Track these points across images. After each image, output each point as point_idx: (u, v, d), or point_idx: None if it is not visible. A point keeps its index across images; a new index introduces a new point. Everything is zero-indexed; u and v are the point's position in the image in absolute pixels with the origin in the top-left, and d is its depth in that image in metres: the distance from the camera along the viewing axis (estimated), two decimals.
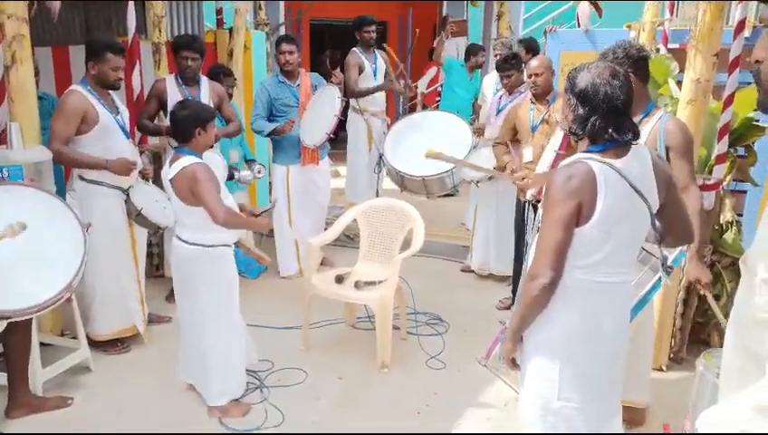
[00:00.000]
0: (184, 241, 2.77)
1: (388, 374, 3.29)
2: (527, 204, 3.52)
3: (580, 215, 1.77)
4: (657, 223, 1.87)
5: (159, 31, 4.36)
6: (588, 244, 1.80)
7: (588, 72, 1.82)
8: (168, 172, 2.72)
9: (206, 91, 3.94)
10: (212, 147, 3.21)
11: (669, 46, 4.48)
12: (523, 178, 3.24)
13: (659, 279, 2.23)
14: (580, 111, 1.81)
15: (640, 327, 2.54)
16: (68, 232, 2.11)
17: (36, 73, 3.75)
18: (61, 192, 3.23)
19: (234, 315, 2.90)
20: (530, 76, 3.74)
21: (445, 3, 8.99)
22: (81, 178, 3.23)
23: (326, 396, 3.09)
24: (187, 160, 2.66)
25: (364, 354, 3.44)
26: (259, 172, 4.38)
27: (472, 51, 6.06)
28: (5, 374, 2.81)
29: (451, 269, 4.92)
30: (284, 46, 4.32)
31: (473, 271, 4.74)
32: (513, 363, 2.00)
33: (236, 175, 4.24)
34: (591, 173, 1.76)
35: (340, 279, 3.47)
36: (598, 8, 4.83)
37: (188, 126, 2.69)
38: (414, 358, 3.47)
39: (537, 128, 3.73)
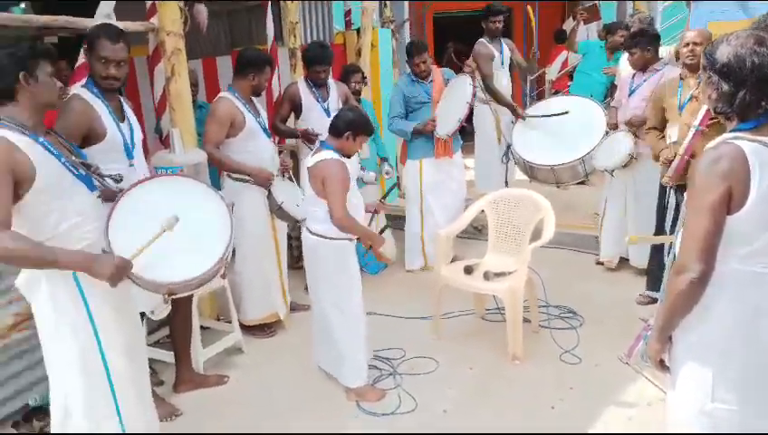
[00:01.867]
0: (310, 231, 2.95)
1: (520, 367, 3.25)
2: (669, 189, 3.28)
3: (731, 201, 1.61)
4: None
5: (294, 37, 4.64)
6: (742, 233, 1.64)
7: (728, 44, 1.66)
8: (309, 161, 2.91)
9: (334, 93, 4.15)
10: None
11: None
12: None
13: None
14: (725, 87, 1.65)
15: None
16: (217, 214, 2.31)
17: (195, 84, 4.18)
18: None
19: (355, 306, 3.01)
20: (686, 45, 3.46)
21: None
22: (229, 176, 3.55)
23: (458, 386, 3.13)
24: (326, 154, 2.83)
25: (495, 346, 3.42)
26: (387, 174, 4.48)
27: (610, 29, 5.70)
28: (173, 354, 3.19)
29: (584, 261, 4.71)
30: (417, 58, 4.39)
31: (602, 263, 4.50)
32: (662, 365, 1.86)
33: (360, 174, 4.30)
34: (742, 154, 1.60)
35: (469, 270, 3.48)
36: None
37: (343, 126, 2.86)
38: (547, 352, 3.39)
39: (685, 106, 3.44)
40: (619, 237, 4.29)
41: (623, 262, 4.42)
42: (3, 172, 1.84)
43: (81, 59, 2.88)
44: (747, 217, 1.62)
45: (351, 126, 2.86)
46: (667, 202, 3.37)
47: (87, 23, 2.88)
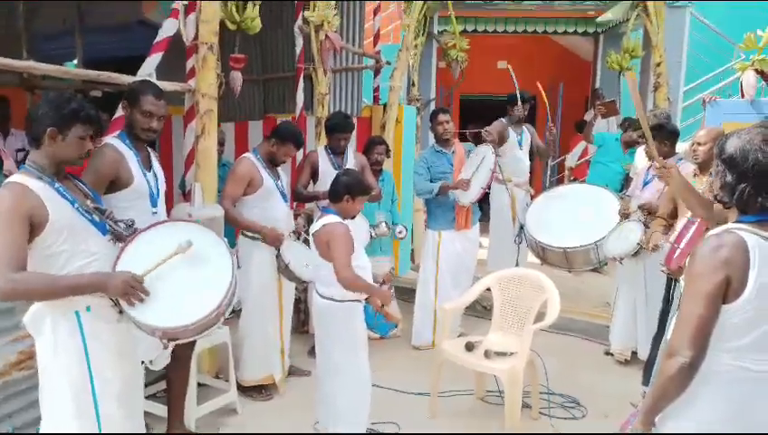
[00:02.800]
0: (319, 294, 3.01)
1: None
2: (673, 281, 3.27)
3: (728, 290, 1.63)
4: None
5: (323, 107, 4.86)
6: (737, 324, 1.64)
7: (738, 137, 1.73)
8: (313, 227, 3.01)
9: (352, 162, 4.32)
10: None
11: None
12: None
13: None
14: (728, 177, 1.71)
15: None
16: (222, 263, 2.32)
17: (221, 144, 4.38)
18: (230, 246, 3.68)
19: (361, 370, 3.01)
20: (693, 144, 3.55)
21: (598, 75, 8.87)
22: (243, 233, 3.66)
23: None
24: (329, 219, 2.94)
25: (491, 430, 3.34)
26: (400, 233, 4.52)
27: (629, 125, 5.85)
28: (165, 407, 3.17)
29: (594, 350, 4.62)
30: (441, 117, 4.58)
31: (613, 354, 4.41)
32: None
33: (372, 231, 4.26)
34: (743, 244, 1.63)
35: (470, 347, 3.46)
36: (765, 78, 4.47)
37: (341, 190, 2.98)
38: None
39: None
40: (630, 329, 4.22)
41: (635, 355, 4.30)
42: (20, 216, 1.99)
43: (119, 112, 3.08)
44: (742, 310, 1.63)
45: (349, 188, 2.96)
46: (672, 295, 3.34)
47: (128, 79, 3.09)
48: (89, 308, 2.17)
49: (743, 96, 4.57)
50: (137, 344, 2.40)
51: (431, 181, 4.51)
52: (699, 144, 3.48)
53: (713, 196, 1.81)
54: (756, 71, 4.45)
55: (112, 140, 2.74)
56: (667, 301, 3.42)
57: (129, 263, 2.19)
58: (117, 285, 2.08)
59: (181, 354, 2.96)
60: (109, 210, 2.28)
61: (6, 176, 2.53)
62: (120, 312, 2.21)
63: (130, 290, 2.10)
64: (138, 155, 2.73)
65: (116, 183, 2.65)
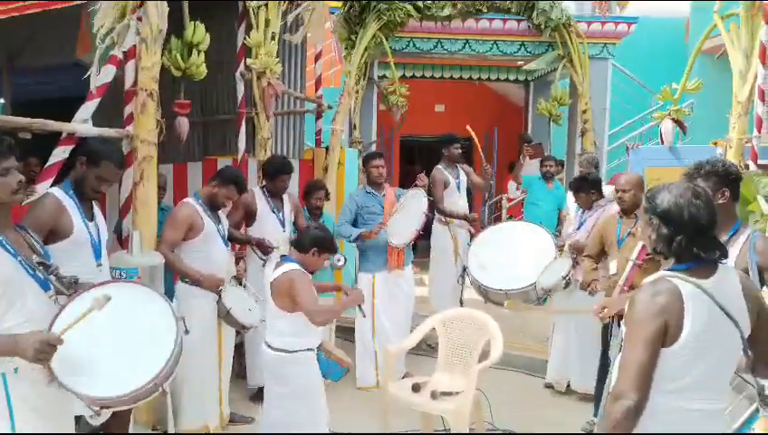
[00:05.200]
0: (270, 346, 2.95)
1: None
2: (611, 318, 3.44)
3: (666, 335, 1.72)
4: (749, 350, 1.79)
5: (265, 150, 4.88)
6: (674, 366, 1.74)
7: (669, 192, 1.83)
8: (271, 275, 2.96)
9: (288, 204, 4.37)
10: None
11: (759, 162, 4.38)
12: (603, 308, 3.17)
13: (757, 410, 2.09)
14: (664, 230, 1.81)
15: None
16: (165, 329, 2.26)
17: (163, 187, 4.29)
18: (169, 292, 3.58)
19: (318, 417, 2.96)
20: (617, 192, 3.79)
21: (530, 120, 9.34)
22: (182, 279, 3.58)
23: None
24: (290, 266, 2.91)
25: None
26: (338, 261, 4.48)
27: (542, 161, 6.14)
28: None
29: (535, 384, 4.74)
30: (376, 161, 4.70)
31: (552, 386, 4.55)
32: None
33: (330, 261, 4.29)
34: (678, 292, 1.73)
35: (416, 388, 3.48)
36: (682, 126, 4.87)
37: (310, 243, 2.97)
38: None
39: (623, 241, 3.70)
40: (565, 361, 4.38)
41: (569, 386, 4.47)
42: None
43: (55, 158, 2.99)
44: (679, 353, 1.73)
45: (317, 243, 2.96)
46: (611, 331, 3.50)
47: (64, 127, 3.02)
48: (16, 370, 2.05)
49: (662, 142, 4.94)
50: (71, 402, 2.28)
51: (360, 224, 4.60)
52: (624, 191, 3.71)
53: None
54: (673, 120, 4.83)
55: (54, 190, 2.66)
56: (608, 335, 3.57)
57: (66, 323, 2.10)
58: (27, 347, 1.91)
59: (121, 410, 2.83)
60: (54, 266, 2.19)
61: None
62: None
63: (45, 351, 1.93)
64: (79, 206, 2.66)
65: (55, 233, 2.56)
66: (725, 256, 1.82)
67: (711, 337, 1.73)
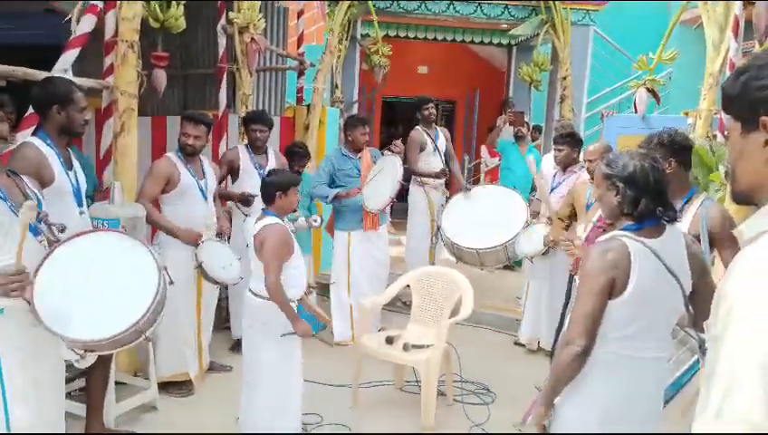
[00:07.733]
0: (254, 293, 3.05)
1: None
2: (572, 278, 3.61)
3: (613, 288, 1.89)
4: (690, 307, 1.96)
5: (246, 106, 4.88)
6: (620, 317, 1.91)
7: (631, 158, 1.98)
8: (254, 228, 3.04)
9: (273, 162, 4.37)
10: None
11: (726, 134, 4.50)
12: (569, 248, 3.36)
13: (698, 360, 2.28)
14: (630, 192, 1.95)
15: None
16: (147, 277, 2.33)
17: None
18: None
19: (294, 370, 3.07)
20: (586, 160, 3.92)
21: (511, 84, 9.38)
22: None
23: None
24: (268, 220, 2.98)
25: (409, 417, 3.54)
26: (315, 221, 4.55)
27: (515, 121, 6.24)
28: (84, 406, 3.13)
29: (504, 341, 4.96)
30: (361, 129, 4.71)
31: (523, 345, 4.77)
32: (543, 429, 2.08)
33: (291, 225, 4.41)
34: (626, 250, 1.90)
35: (390, 340, 3.64)
36: (656, 96, 4.97)
37: (272, 190, 3.03)
38: (458, 425, 3.54)
39: (591, 206, 3.85)
40: (538, 321, 4.58)
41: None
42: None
43: (31, 110, 3.00)
44: (624, 305, 1.90)
45: (278, 186, 3.01)
46: (570, 289, 3.69)
47: (44, 75, 3.01)
48: (2, 311, 2.13)
49: (636, 111, 5.05)
50: (59, 344, 2.38)
51: (338, 186, 4.66)
52: (590, 161, 3.84)
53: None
54: (647, 89, 4.93)
55: (33, 139, 2.69)
56: (568, 296, 3.76)
57: (51, 270, 2.17)
58: None
59: (103, 354, 2.93)
60: (44, 213, 2.25)
61: None
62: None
63: (10, 285, 2.01)
64: (60, 155, 2.70)
65: (37, 181, 2.60)
66: (676, 218, 1.97)
67: (654, 292, 1.90)
